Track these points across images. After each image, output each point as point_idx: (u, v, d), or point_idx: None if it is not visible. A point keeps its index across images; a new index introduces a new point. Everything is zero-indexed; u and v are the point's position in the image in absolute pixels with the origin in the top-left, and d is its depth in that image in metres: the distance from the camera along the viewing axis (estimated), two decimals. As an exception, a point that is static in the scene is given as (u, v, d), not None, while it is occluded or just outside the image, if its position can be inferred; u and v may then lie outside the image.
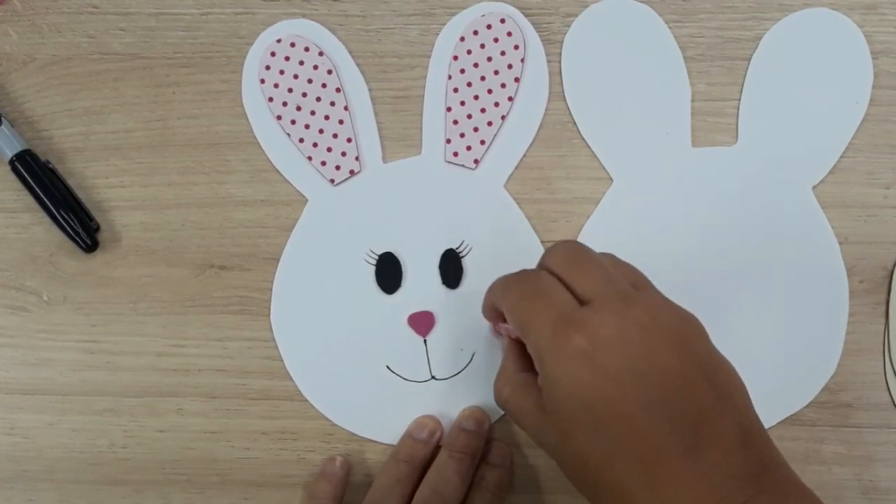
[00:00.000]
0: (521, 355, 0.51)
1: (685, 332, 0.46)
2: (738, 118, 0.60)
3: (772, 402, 0.57)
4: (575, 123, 0.61)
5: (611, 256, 0.50)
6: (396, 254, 0.60)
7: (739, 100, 0.60)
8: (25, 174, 0.60)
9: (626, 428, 0.43)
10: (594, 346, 0.44)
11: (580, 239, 0.59)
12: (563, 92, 0.61)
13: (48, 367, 0.61)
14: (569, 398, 0.45)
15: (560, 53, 0.61)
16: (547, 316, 0.46)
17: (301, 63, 0.61)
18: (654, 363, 0.44)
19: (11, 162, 0.60)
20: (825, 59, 0.59)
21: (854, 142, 0.59)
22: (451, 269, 0.59)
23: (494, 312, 0.52)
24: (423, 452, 0.57)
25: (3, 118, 0.61)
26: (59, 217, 0.60)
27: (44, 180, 0.60)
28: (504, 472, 0.57)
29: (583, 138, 0.60)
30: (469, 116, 0.60)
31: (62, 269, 0.61)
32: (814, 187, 0.59)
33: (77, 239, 0.60)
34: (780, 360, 0.58)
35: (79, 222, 0.60)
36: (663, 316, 0.45)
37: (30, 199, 0.60)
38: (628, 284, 0.47)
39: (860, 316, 0.58)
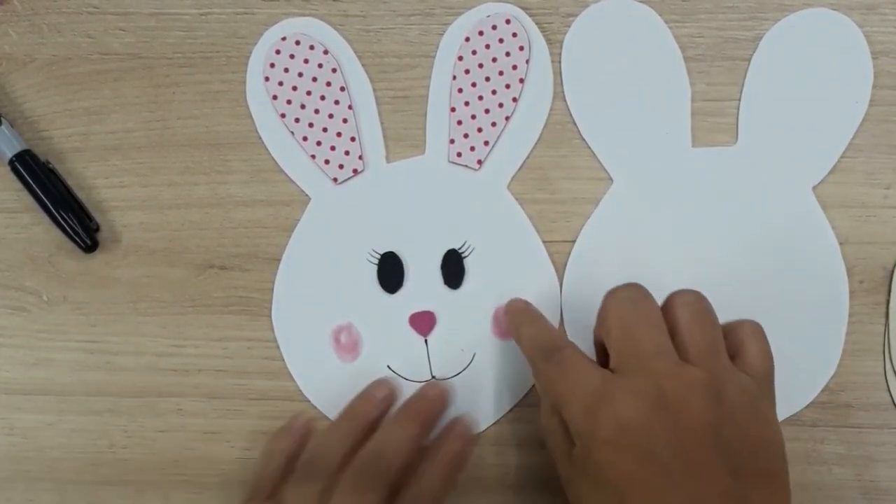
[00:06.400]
0: None
1: (717, 418, 0.46)
2: (738, 118, 0.60)
3: (772, 402, 0.57)
4: (575, 123, 0.61)
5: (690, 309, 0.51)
6: (398, 253, 0.60)
7: (739, 100, 0.60)
8: (25, 174, 0.60)
9: None
10: (621, 433, 0.46)
11: (580, 239, 0.60)
12: (563, 92, 0.61)
13: (48, 367, 0.61)
14: (597, 481, 0.46)
15: (560, 53, 0.61)
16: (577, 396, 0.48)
17: (306, 61, 0.61)
18: (676, 445, 0.45)
19: (11, 162, 0.60)
20: (825, 59, 0.60)
21: (854, 142, 0.59)
22: (453, 269, 0.59)
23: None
24: (372, 413, 0.55)
25: (2, 118, 0.60)
26: (58, 217, 0.59)
27: (43, 180, 0.60)
28: (461, 446, 0.53)
29: (583, 138, 0.60)
30: (473, 117, 0.60)
31: (62, 269, 0.61)
32: (814, 187, 0.59)
33: (77, 239, 0.60)
34: (780, 360, 0.57)
35: (78, 222, 0.60)
36: (693, 401, 0.46)
37: (30, 199, 0.60)
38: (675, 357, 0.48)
39: (860, 316, 0.58)
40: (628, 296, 0.50)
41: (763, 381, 0.49)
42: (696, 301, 0.50)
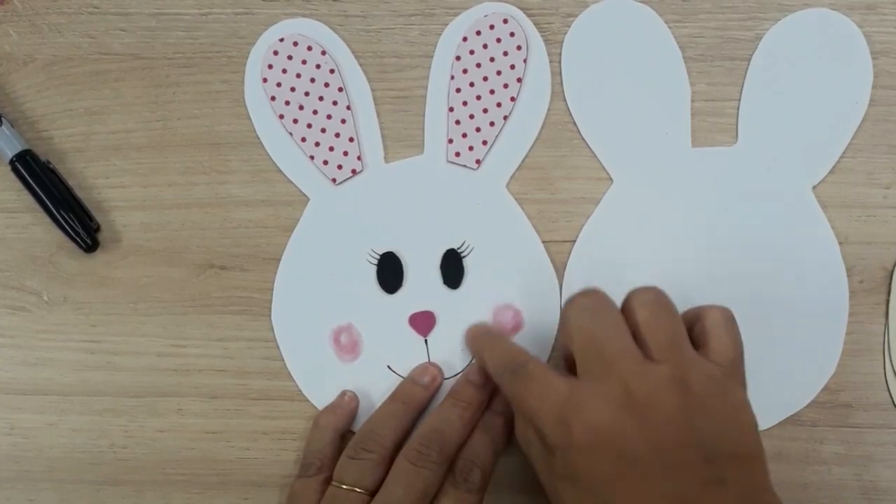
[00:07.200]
0: None
1: (686, 410, 0.47)
2: (738, 118, 0.60)
3: (772, 402, 0.57)
4: (575, 123, 0.60)
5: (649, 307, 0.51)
6: (398, 253, 0.60)
7: (739, 100, 0.60)
8: (26, 174, 0.60)
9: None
10: (595, 438, 0.47)
11: (580, 239, 0.60)
12: (563, 92, 0.61)
13: (48, 367, 0.61)
14: (578, 486, 0.47)
15: (560, 53, 0.61)
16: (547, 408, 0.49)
17: (304, 62, 0.61)
18: (650, 443, 0.46)
19: (12, 162, 0.60)
20: (825, 59, 0.59)
21: (854, 142, 0.59)
22: (452, 269, 0.59)
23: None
24: (421, 395, 0.58)
25: (3, 118, 0.60)
26: (59, 217, 0.59)
27: (44, 180, 0.60)
28: (506, 420, 0.57)
29: (583, 138, 0.60)
30: (471, 116, 0.60)
31: (62, 269, 0.61)
32: (814, 187, 0.59)
33: (77, 239, 0.60)
34: (781, 360, 0.58)
35: (79, 222, 0.60)
36: (663, 396, 0.47)
37: (30, 200, 0.60)
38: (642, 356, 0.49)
39: (860, 316, 0.58)
40: (586, 303, 0.51)
41: (731, 367, 0.50)
42: (654, 298, 0.51)
